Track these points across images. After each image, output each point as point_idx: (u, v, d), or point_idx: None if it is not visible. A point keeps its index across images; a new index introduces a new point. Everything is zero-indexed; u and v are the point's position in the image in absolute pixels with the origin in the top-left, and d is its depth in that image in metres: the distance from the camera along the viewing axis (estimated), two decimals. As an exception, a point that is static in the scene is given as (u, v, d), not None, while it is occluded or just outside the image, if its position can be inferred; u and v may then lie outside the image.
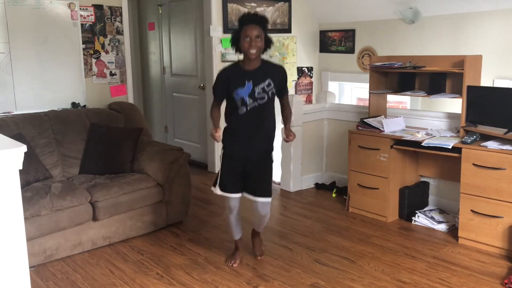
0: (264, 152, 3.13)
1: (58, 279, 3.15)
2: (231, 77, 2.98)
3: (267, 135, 3.13)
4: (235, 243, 3.37)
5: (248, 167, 3.09)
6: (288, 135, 3.15)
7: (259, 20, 2.94)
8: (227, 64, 3.18)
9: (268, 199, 3.14)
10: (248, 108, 2.99)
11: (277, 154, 5.19)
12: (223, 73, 3.05)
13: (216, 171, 5.59)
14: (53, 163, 3.88)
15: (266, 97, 2.99)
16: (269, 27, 3.12)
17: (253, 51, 2.89)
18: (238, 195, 3.14)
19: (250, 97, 2.97)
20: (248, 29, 2.88)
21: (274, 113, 3.14)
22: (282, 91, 3.13)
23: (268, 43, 2.99)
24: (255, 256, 3.39)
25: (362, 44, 5.98)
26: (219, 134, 2.99)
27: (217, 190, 3.14)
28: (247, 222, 3.58)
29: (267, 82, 2.97)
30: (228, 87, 2.98)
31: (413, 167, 4.22)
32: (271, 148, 3.19)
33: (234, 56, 5.53)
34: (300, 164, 4.90)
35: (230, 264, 3.28)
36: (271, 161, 3.21)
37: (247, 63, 2.97)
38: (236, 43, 2.97)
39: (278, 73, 3.07)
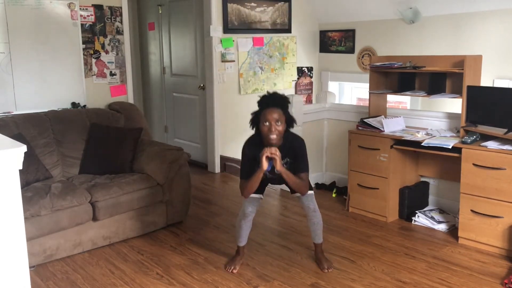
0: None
1: (58, 279, 3.15)
2: (255, 154, 2.90)
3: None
4: (238, 248, 3.30)
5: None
6: (269, 151, 2.91)
7: (279, 102, 2.87)
8: (249, 137, 3.07)
9: (310, 192, 3.13)
10: (268, 177, 3.05)
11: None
12: (248, 149, 3.01)
13: (216, 171, 5.61)
14: (53, 163, 3.88)
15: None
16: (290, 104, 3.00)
17: (273, 136, 2.84)
18: (257, 196, 3.11)
19: (270, 173, 2.99)
20: (267, 113, 2.82)
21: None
22: (296, 168, 2.99)
23: (290, 123, 2.94)
24: (321, 270, 3.21)
25: (362, 44, 5.99)
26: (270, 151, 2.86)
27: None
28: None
29: (285, 160, 2.96)
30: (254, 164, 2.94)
31: (413, 167, 4.22)
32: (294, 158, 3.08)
33: (234, 56, 5.56)
34: (300, 164, 4.89)
35: (230, 270, 3.21)
36: (302, 156, 3.07)
37: (268, 143, 2.88)
38: (256, 125, 2.93)
39: (295, 152, 2.99)
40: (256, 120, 2.93)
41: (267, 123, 2.83)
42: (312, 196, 3.17)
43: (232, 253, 3.46)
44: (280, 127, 2.86)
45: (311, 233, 3.28)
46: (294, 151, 3.00)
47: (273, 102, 2.87)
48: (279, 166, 2.86)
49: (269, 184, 3.26)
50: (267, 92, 3.00)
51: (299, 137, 3.09)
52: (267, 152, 2.81)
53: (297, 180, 2.98)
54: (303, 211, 3.25)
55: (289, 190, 3.24)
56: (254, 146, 2.99)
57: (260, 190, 3.12)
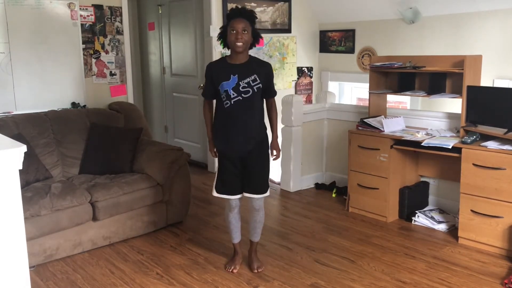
0: (257, 147, 3.07)
1: (58, 279, 3.15)
2: (216, 71, 2.99)
3: (255, 129, 3.05)
4: (234, 247, 3.30)
5: (245, 164, 3.06)
6: (272, 153, 3.16)
7: (246, 14, 2.93)
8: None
9: (260, 196, 3.10)
10: (232, 101, 2.94)
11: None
12: (208, 67, 3.07)
13: (216, 171, 5.60)
14: (53, 163, 3.88)
15: (251, 91, 2.95)
16: (261, 26, 3.16)
17: (239, 43, 2.88)
18: (237, 196, 3.10)
19: (234, 90, 2.93)
20: (234, 22, 2.89)
21: (262, 109, 3.11)
22: (267, 91, 3.07)
23: (256, 38, 2.98)
24: (250, 270, 3.22)
25: (362, 44, 5.98)
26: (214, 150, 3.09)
27: (214, 192, 3.13)
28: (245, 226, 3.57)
29: (252, 77, 2.95)
30: (214, 81, 2.98)
31: (413, 167, 4.22)
32: (263, 142, 3.12)
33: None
34: (300, 164, 4.90)
35: (230, 270, 3.21)
36: (267, 155, 3.14)
37: (234, 57, 2.97)
38: (223, 37, 2.97)
39: (264, 70, 3.02)
40: (224, 33, 2.96)
41: (234, 31, 2.88)
42: (262, 199, 3.15)
43: (232, 253, 3.47)
44: (246, 35, 2.89)
45: (250, 230, 3.25)
46: (266, 73, 3.03)
47: (240, 13, 2.92)
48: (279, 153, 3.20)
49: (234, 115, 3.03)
50: (236, 6, 3.09)
51: (266, 61, 3.13)
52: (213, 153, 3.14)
53: (275, 116, 3.19)
54: (248, 208, 3.20)
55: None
56: (214, 64, 3.08)
57: (239, 190, 3.09)
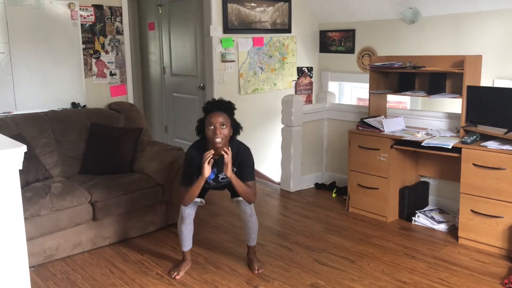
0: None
1: (58, 279, 3.15)
2: (197, 163, 2.89)
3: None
4: (184, 254, 3.23)
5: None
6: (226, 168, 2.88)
7: (224, 107, 2.86)
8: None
9: None
10: (211, 186, 3.08)
11: (277, 154, 5.20)
12: (189, 158, 2.97)
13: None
14: (53, 163, 3.88)
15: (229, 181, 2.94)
16: (235, 113, 2.97)
17: (218, 139, 2.80)
18: (197, 199, 3.06)
19: (213, 181, 3.01)
20: (212, 117, 2.81)
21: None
22: (243, 176, 2.96)
23: (236, 129, 2.93)
24: (251, 271, 3.21)
25: (362, 44, 5.99)
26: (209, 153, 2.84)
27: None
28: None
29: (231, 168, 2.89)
30: (194, 171, 2.91)
31: (413, 167, 4.22)
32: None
33: (234, 56, 5.56)
34: (300, 164, 4.90)
35: (173, 276, 3.12)
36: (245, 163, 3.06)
37: (213, 149, 2.85)
38: (201, 131, 2.91)
39: (239, 157, 2.96)
40: (202, 126, 2.91)
41: (212, 127, 2.81)
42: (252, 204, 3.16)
43: (232, 253, 3.47)
44: (225, 130, 2.83)
45: (245, 235, 3.25)
46: (241, 160, 2.97)
47: (218, 107, 2.86)
48: (229, 172, 2.84)
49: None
50: (213, 98, 3.00)
51: (244, 145, 3.05)
52: (210, 153, 2.80)
53: (246, 187, 2.96)
54: (240, 215, 3.21)
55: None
56: (197, 152, 2.94)
57: (201, 194, 3.06)
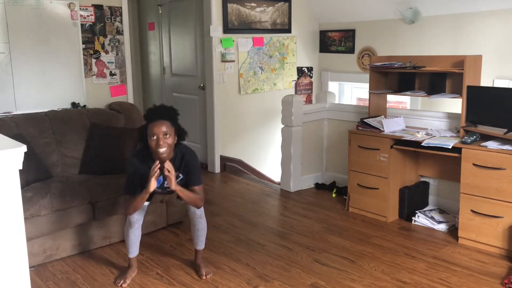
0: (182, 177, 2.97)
1: (58, 279, 3.15)
2: (142, 172, 2.77)
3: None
4: (129, 261, 3.15)
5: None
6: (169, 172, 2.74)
7: (166, 114, 2.74)
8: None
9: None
10: (156, 193, 2.99)
11: (277, 154, 5.20)
12: (133, 166, 2.86)
13: (216, 171, 5.62)
14: (53, 163, 3.88)
15: None
16: (179, 120, 2.85)
17: (162, 150, 2.69)
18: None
19: (159, 188, 2.89)
20: (154, 127, 2.68)
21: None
22: (190, 182, 2.89)
23: (181, 135, 2.82)
24: (199, 277, 3.13)
25: (362, 44, 5.99)
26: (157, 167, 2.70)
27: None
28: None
29: (177, 175, 2.83)
30: (140, 180, 2.80)
31: (413, 167, 4.22)
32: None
33: (234, 56, 5.56)
34: (300, 164, 4.90)
35: (119, 284, 3.02)
36: (190, 170, 2.97)
37: (158, 158, 2.73)
38: (144, 139, 2.75)
39: (185, 162, 2.87)
40: (144, 135, 2.76)
41: (155, 137, 2.68)
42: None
43: (232, 253, 3.47)
44: (169, 139, 2.71)
45: (193, 239, 3.17)
46: (187, 165, 2.89)
47: (159, 115, 2.73)
48: (174, 185, 2.72)
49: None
50: (154, 105, 2.87)
51: (190, 149, 2.97)
52: (157, 167, 2.65)
53: (193, 195, 2.88)
54: (189, 216, 3.12)
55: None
56: (141, 160, 2.84)
57: (148, 198, 2.94)
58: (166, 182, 2.83)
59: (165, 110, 2.78)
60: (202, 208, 3.08)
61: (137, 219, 3.02)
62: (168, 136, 2.71)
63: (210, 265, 3.31)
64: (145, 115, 2.79)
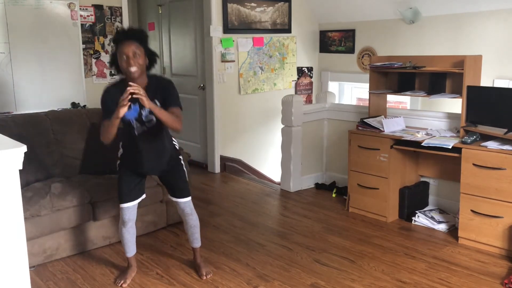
0: (171, 164, 2.98)
1: (58, 279, 3.15)
2: (115, 99, 2.62)
3: (166, 153, 2.94)
4: (128, 260, 3.15)
5: (163, 176, 3.03)
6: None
7: (135, 35, 2.70)
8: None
9: (188, 199, 3.05)
10: (137, 133, 2.81)
11: (277, 154, 5.20)
12: (105, 94, 2.78)
13: (216, 171, 5.61)
14: (53, 163, 3.88)
15: (154, 119, 2.75)
16: (149, 43, 2.79)
17: (133, 69, 2.64)
18: (132, 203, 2.99)
19: (137, 121, 2.77)
20: (123, 47, 2.64)
21: (169, 133, 2.96)
22: (167, 104, 2.76)
23: (152, 58, 2.78)
24: (199, 277, 3.14)
25: (362, 44, 5.99)
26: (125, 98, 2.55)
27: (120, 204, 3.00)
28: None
29: (153, 102, 2.71)
30: (113, 110, 2.63)
31: (413, 167, 4.22)
32: (177, 159, 3.03)
33: (234, 56, 5.56)
34: (300, 164, 4.90)
35: (119, 284, 3.03)
36: (181, 165, 3.05)
37: (131, 80, 2.66)
38: (115, 63, 2.73)
39: (162, 89, 2.80)
40: (115, 58, 2.72)
41: (125, 57, 2.63)
42: (190, 202, 3.08)
43: (232, 253, 3.47)
44: (139, 60, 2.66)
45: (188, 236, 3.17)
46: (163, 90, 2.80)
47: (128, 35, 2.69)
48: (147, 103, 2.55)
49: (146, 164, 2.93)
50: (121, 27, 2.84)
51: (166, 77, 2.93)
52: (129, 90, 2.51)
53: (170, 115, 2.71)
54: (179, 214, 3.13)
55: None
56: (114, 87, 2.78)
57: (134, 196, 2.99)
58: (143, 113, 2.74)
59: (133, 31, 2.75)
60: (191, 205, 3.08)
61: (130, 218, 3.01)
62: (138, 56, 2.67)
63: (210, 265, 3.31)
64: (113, 38, 2.76)
